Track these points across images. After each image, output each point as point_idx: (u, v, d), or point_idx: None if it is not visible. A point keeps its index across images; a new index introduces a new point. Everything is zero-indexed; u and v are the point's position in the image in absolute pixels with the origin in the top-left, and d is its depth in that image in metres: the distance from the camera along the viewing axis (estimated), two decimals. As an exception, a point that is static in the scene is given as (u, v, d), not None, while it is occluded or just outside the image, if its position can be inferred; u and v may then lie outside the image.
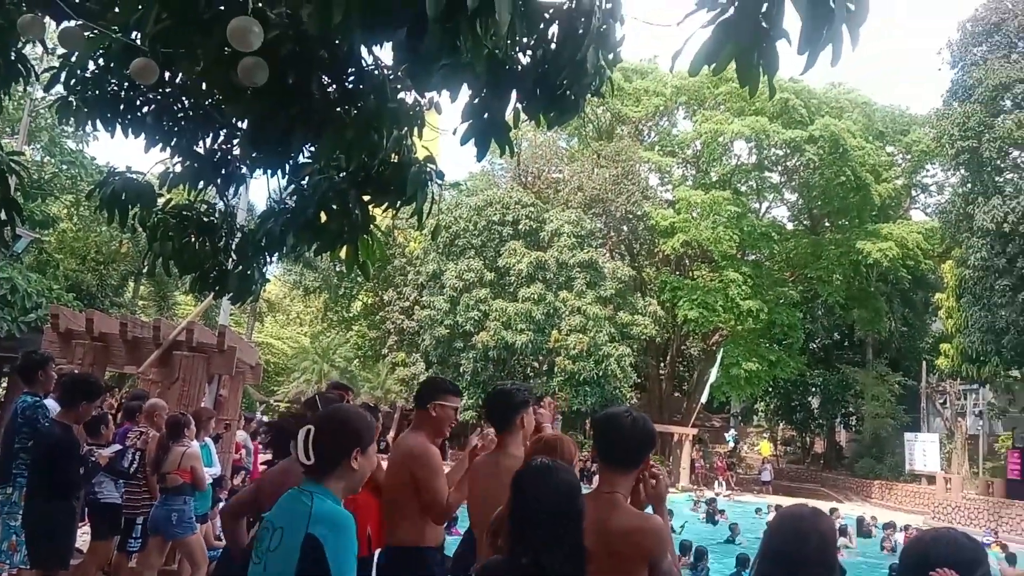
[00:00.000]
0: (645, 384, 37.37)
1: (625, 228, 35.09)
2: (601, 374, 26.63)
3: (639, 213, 32.54)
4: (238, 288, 4.24)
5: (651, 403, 36.93)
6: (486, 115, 3.11)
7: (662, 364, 38.83)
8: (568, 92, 3.09)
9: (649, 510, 2.91)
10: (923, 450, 30.10)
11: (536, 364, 29.24)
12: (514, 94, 3.12)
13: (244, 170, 4.27)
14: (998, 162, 24.36)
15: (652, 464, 2.96)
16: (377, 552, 4.06)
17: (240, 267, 4.25)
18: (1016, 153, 24.61)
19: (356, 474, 2.60)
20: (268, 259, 4.44)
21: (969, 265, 24.90)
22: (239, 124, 3.91)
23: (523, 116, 3.22)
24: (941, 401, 33.40)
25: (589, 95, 3.24)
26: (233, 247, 4.25)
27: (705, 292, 30.84)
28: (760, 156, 33.93)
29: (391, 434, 29.35)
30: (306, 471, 2.56)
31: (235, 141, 4.12)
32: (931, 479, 28.13)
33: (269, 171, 3.96)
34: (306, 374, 36.13)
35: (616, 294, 28.58)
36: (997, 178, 24.33)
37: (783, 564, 2.41)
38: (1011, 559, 15.72)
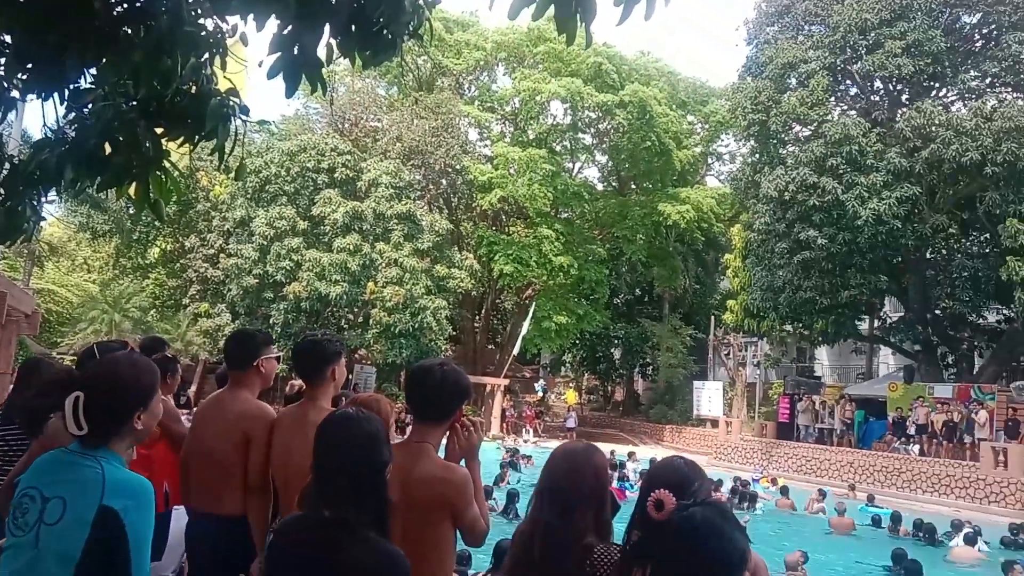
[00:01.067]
0: (460, 337, 37.95)
1: (444, 181, 35.03)
2: (417, 327, 26.66)
3: (458, 167, 32.60)
4: (5, 226, 3.72)
5: (465, 355, 37.60)
6: (296, 49, 2.89)
7: (477, 317, 39.57)
8: (385, 31, 2.95)
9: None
10: (709, 397, 32.97)
11: (351, 316, 28.74)
12: (327, 28, 2.93)
13: (15, 93, 3.72)
14: (783, 135, 26.74)
15: (467, 416, 2.97)
16: (177, 512, 3.79)
17: (8, 202, 3.73)
18: (798, 128, 27.10)
19: (141, 432, 2.38)
20: (43, 195, 3.93)
21: (754, 229, 27.29)
22: (5, 38, 3.40)
23: (336, 53, 3.03)
24: (726, 352, 36.65)
25: (407, 36, 3.11)
26: (-1, 179, 3.72)
27: (520, 248, 31.65)
28: (575, 117, 35.00)
29: (192, 388, 27.81)
30: (81, 440, 2.27)
31: (1, 59, 3.58)
32: (715, 423, 30.91)
33: (43, 95, 3.47)
34: (94, 324, 33.26)
35: (434, 247, 28.58)
36: (781, 150, 26.71)
37: (559, 499, 2.46)
38: (784, 490, 17.75)
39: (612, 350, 42.83)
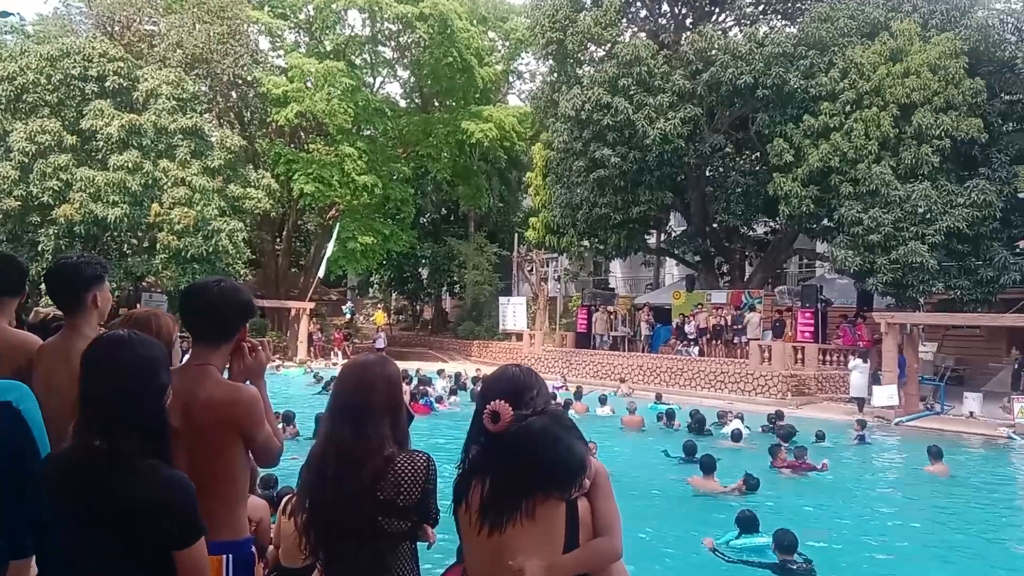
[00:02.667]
0: (260, 260, 36.31)
1: (234, 94, 32.71)
2: (211, 250, 25.06)
3: (249, 79, 30.50)
4: None
5: (267, 279, 36.14)
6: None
7: (278, 240, 37.96)
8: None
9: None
10: (514, 312, 34.10)
11: (135, 241, 26.48)
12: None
13: None
14: (579, 55, 27.39)
15: (261, 340, 2.84)
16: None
17: None
18: (593, 48, 27.85)
19: None
20: None
21: (553, 148, 28.04)
22: None
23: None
24: (529, 269, 38.04)
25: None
26: None
27: (321, 166, 30.47)
28: (374, 29, 33.70)
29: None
30: None
31: None
32: (520, 336, 32.15)
33: None
34: None
35: (225, 165, 26.74)
36: (578, 69, 27.40)
37: (351, 413, 2.40)
38: (577, 394, 18.91)
39: (419, 269, 42.97)
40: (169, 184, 24.91)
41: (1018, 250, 21.13)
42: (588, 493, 2.19)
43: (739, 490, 9.59)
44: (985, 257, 21.63)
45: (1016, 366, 20.53)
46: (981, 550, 8.39)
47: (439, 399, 17.80)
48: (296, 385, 22.52)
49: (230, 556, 2.58)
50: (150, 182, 24.65)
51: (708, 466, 10.03)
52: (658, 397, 20.22)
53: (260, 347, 2.80)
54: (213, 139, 27.01)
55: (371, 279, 45.57)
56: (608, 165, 24.80)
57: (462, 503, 2.24)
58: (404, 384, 19.75)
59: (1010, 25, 22.30)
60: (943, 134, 21.23)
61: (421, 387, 18.43)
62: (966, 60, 21.49)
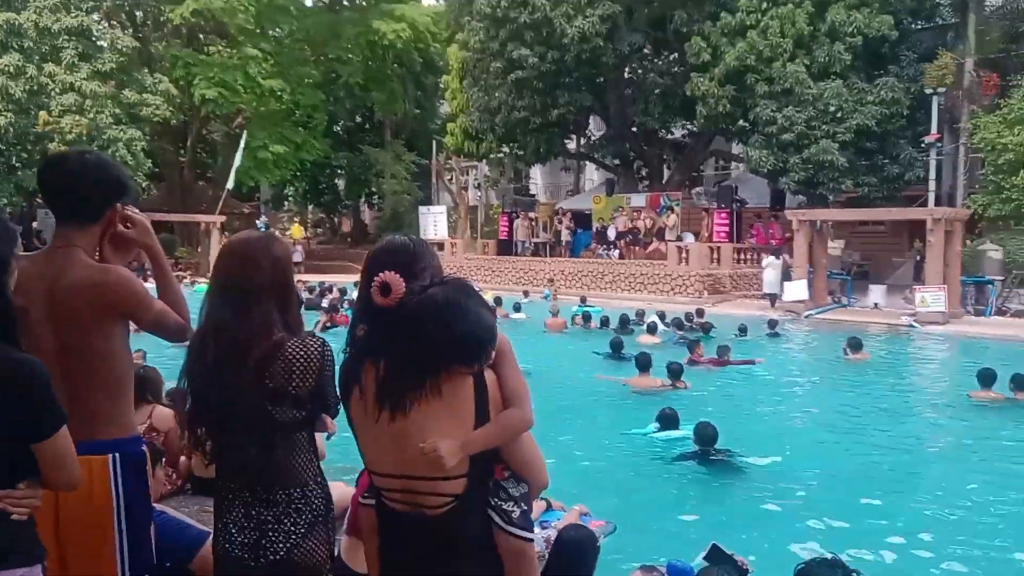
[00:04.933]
0: (164, 173, 34.54)
1: (124, -10, 30.29)
2: (108, 162, 23.54)
3: (139, -28, 28.23)
4: None
5: (172, 192, 34.49)
6: None
7: (182, 150, 36.04)
8: None
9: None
10: (434, 221, 33.66)
11: (24, 154, 24.61)
12: None
13: None
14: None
15: (127, 210, 2.49)
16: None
17: None
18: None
19: None
20: None
21: (470, 48, 27.13)
22: None
23: None
24: (449, 178, 37.37)
25: None
26: None
27: (223, 70, 28.73)
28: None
29: None
30: None
31: None
32: (441, 246, 31.79)
33: None
34: None
35: (118, 69, 24.91)
36: (494, -36, 26.25)
37: (232, 295, 2.14)
38: (497, 300, 18.89)
39: (336, 180, 41.73)
40: (57, 90, 23.08)
41: (922, 146, 21.80)
42: (493, 364, 2.03)
43: (670, 382, 9.75)
44: (892, 154, 22.29)
45: (917, 258, 21.50)
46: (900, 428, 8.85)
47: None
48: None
49: (117, 455, 2.33)
50: (35, 88, 22.80)
51: (643, 363, 10.13)
52: (582, 300, 20.42)
53: (133, 223, 2.46)
54: (102, 40, 24.99)
55: (285, 191, 43.99)
56: (526, 66, 24.20)
57: (353, 390, 2.03)
58: (328, 295, 19.34)
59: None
60: (855, 31, 21.42)
61: (340, 296, 18.07)
62: (880, -44, 21.54)
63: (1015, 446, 7.95)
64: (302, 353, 2.11)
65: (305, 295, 19.21)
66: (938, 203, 21.70)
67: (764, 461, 6.89)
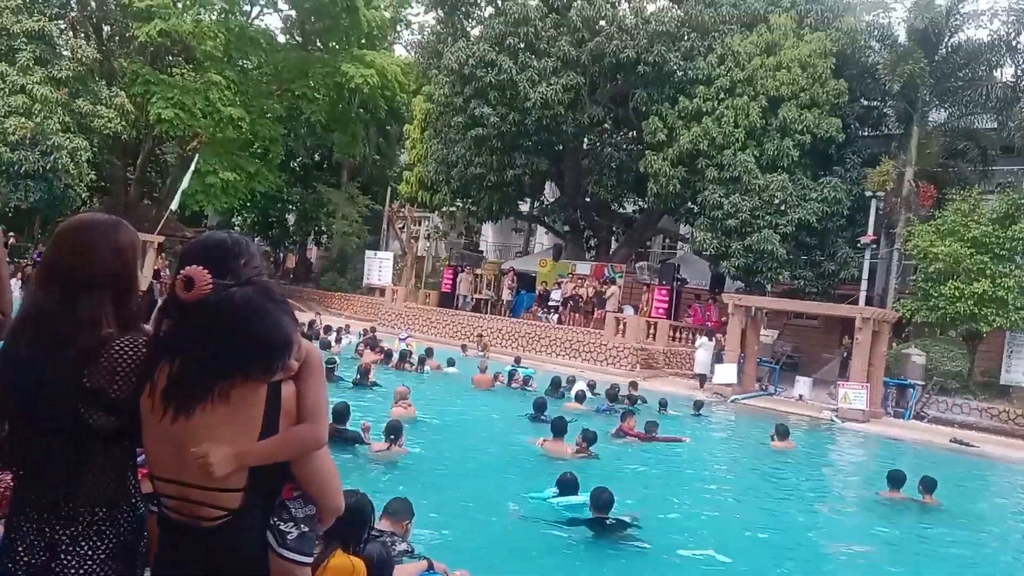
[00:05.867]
0: (109, 187, 33.77)
1: (93, 3, 29.94)
2: (49, 167, 22.89)
3: (110, -14, 28.02)
4: None
5: (115, 207, 33.50)
6: None
7: (131, 167, 35.34)
8: None
9: None
10: (379, 266, 33.46)
11: (-40, 150, 23.84)
12: None
13: None
14: (469, 7, 26.79)
15: None
16: None
17: None
18: (483, 2, 27.31)
19: None
20: None
21: (434, 101, 27.42)
22: None
23: None
24: (400, 226, 37.21)
25: None
26: None
27: (183, 92, 28.41)
28: (255, -48, 31.73)
29: None
30: None
31: None
32: (383, 292, 31.47)
33: None
34: None
35: (74, 77, 24.45)
36: (466, 22, 26.80)
37: (60, 280, 1.96)
38: (429, 352, 18.61)
39: (287, 215, 41.26)
40: (6, 91, 22.49)
41: (858, 246, 22.51)
42: (296, 376, 1.91)
43: (581, 449, 9.60)
44: (829, 252, 22.98)
45: (844, 355, 21.96)
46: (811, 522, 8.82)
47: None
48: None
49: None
50: (-18, 85, 22.20)
51: (559, 428, 9.97)
52: (516, 360, 20.26)
53: None
54: (63, 47, 24.59)
55: (234, 220, 43.31)
56: (487, 124, 24.48)
57: (146, 386, 1.87)
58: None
59: (876, 32, 23.52)
60: (805, 130, 22.25)
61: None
62: (834, 61, 22.59)
63: (912, 547, 7.97)
64: (130, 352, 1.91)
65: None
66: (869, 303, 22.32)
67: (661, 535, 6.77)
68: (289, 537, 1.89)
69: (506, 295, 27.87)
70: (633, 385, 16.84)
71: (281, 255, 45.11)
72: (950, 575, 7.25)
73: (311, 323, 21.53)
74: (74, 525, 1.89)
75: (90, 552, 1.89)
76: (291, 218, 41.10)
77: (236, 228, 44.85)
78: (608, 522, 6.43)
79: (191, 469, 1.80)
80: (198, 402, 1.79)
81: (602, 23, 23.60)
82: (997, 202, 20.32)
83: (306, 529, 1.93)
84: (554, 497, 6.96)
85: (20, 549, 1.90)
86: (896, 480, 9.66)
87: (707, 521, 8.03)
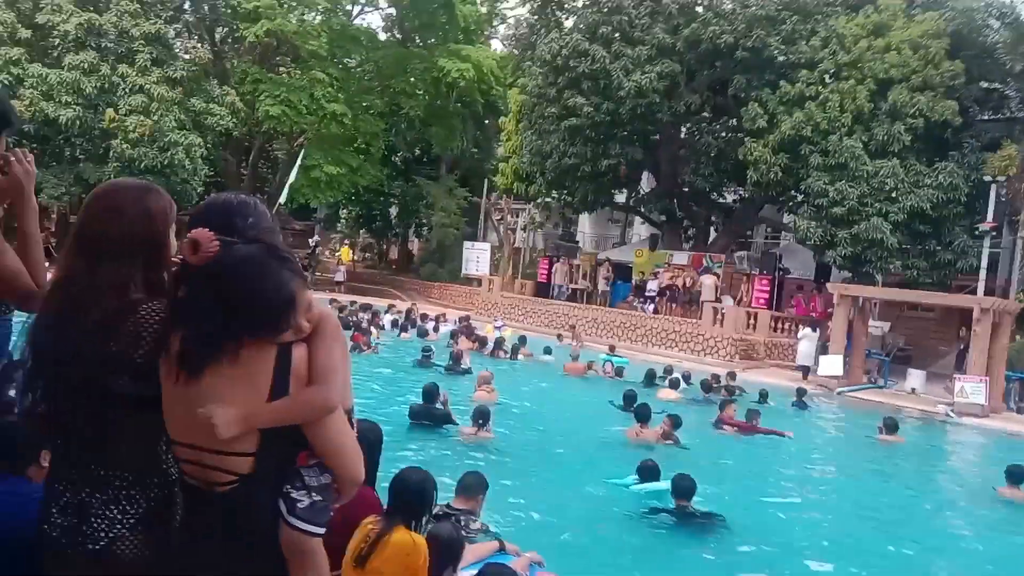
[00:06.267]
0: (224, 183, 35.50)
1: (205, 6, 31.53)
2: (167, 163, 24.28)
3: (219, -11, 29.40)
4: None
5: (228, 203, 35.35)
6: None
7: (243, 163, 37.09)
8: None
9: None
10: (477, 257, 33.79)
11: (89, 146, 25.58)
12: None
13: None
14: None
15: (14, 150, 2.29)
16: None
17: None
18: (577, -8, 27.14)
19: None
20: None
21: (528, 92, 27.46)
22: None
23: None
24: (498, 218, 37.58)
25: None
26: None
27: (289, 89, 29.56)
28: (356, -47, 32.61)
29: None
30: None
31: None
32: (480, 282, 31.85)
33: None
34: None
35: (189, 77, 25.81)
36: (559, 13, 26.69)
37: (91, 244, 1.95)
38: (522, 340, 18.71)
39: (388, 208, 42.35)
40: (126, 90, 24.00)
41: (977, 233, 21.14)
42: (308, 338, 1.87)
43: (667, 435, 9.45)
44: (945, 241, 21.67)
45: (961, 347, 20.70)
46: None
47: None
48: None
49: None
50: (107, 86, 23.74)
51: (643, 415, 9.87)
52: (611, 349, 20.12)
53: (14, 158, 2.26)
54: (177, 48, 26.02)
55: (340, 213, 44.84)
56: (581, 114, 24.33)
57: (163, 353, 1.86)
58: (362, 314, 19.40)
59: (995, 11, 21.99)
60: (917, 113, 21.04)
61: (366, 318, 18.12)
62: (948, 42, 21.24)
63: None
64: (156, 318, 1.88)
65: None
66: (990, 294, 20.93)
67: (749, 529, 6.57)
68: (299, 505, 1.86)
69: (602, 285, 27.69)
70: (731, 375, 16.42)
71: (384, 246, 46.40)
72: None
73: (408, 311, 22.02)
74: (104, 489, 1.90)
75: (120, 516, 1.89)
76: (393, 211, 42.17)
77: (342, 221, 46.47)
78: (689, 511, 6.29)
79: (203, 432, 1.79)
80: (207, 363, 1.78)
81: (698, 9, 23.05)
82: None
83: (318, 498, 1.88)
84: (635, 484, 6.87)
85: (54, 511, 1.93)
86: (1015, 476, 9.04)
87: (800, 516, 7.74)
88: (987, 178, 20.79)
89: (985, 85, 23.22)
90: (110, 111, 23.48)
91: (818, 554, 6.49)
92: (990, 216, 20.85)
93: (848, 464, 11.15)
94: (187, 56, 25.99)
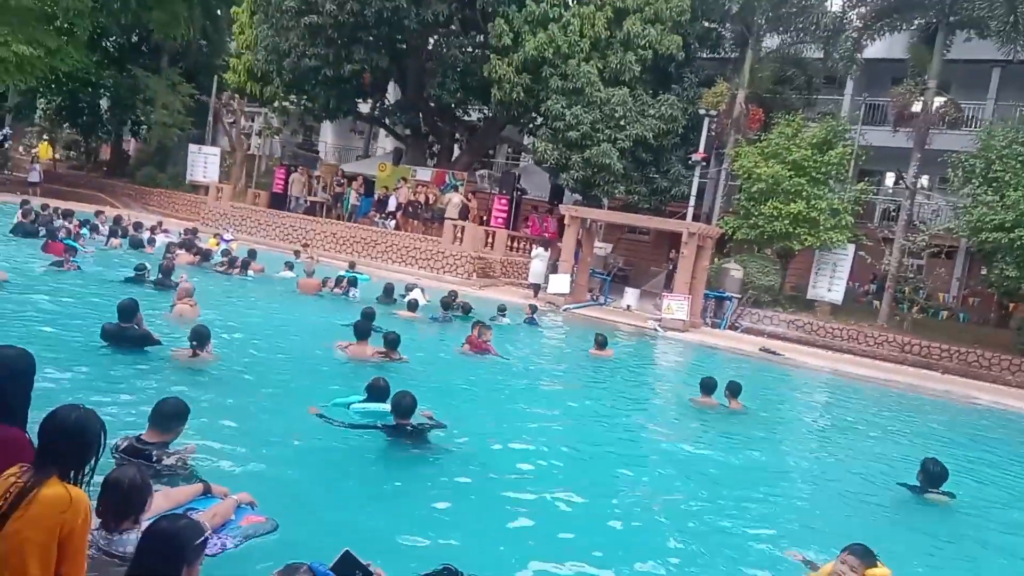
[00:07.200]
0: None
1: None
2: None
3: None
4: None
5: None
6: None
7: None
8: None
9: None
10: (205, 162, 31.03)
11: None
12: None
13: None
14: None
15: None
16: None
17: None
18: None
19: None
20: None
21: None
22: None
23: None
24: (230, 121, 34.46)
25: None
26: None
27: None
28: None
29: None
30: None
31: None
32: (207, 190, 29.25)
33: None
34: None
35: None
36: None
37: None
38: (252, 253, 17.39)
39: (99, 101, 37.08)
40: None
41: (690, 163, 23.15)
42: None
43: (385, 352, 9.17)
44: (663, 168, 23.49)
45: (670, 268, 22.84)
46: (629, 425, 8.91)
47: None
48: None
49: None
50: None
51: (361, 331, 9.48)
52: (351, 265, 19.43)
53: None
54: None
55: (37, 102, 38.41)
56: (323, 11, 22.68)
57: None
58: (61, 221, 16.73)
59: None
60: (647, 44, 22.28)
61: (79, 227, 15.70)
62: (678, -23, 22.53)
63: (713, 450, 8.26)
64: None
65: (17, 219, 16.56)
66: (697, 220, 23.19)
67: (466, 443, 6.55)
68: None
69: (353, 199, 26.59)
70: (451, 294, 16.52)
71: (93, 144, 40.85)
72: (745, 471, 7.55)
73: (117, 218, 19.54)
74: None
75: None
76: (103, 104, 37.04)
77: (40, 112, 39.92)
78: (409, 428, 6.09)
79: None
80: None
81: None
82: (817, 128, 21.41)
83: None
84: (360, 403, 6.52)
85: None
86: (707, 387, 10.02)
87: (515, 426, 7.89)
88: (701, 111, 22.71)
89: (707, 24, 25.15)
90: None
91: (525, 458, 6.66)
92: (702, 147, 22.89)
93: (566, 378, 11.70)
94: None
